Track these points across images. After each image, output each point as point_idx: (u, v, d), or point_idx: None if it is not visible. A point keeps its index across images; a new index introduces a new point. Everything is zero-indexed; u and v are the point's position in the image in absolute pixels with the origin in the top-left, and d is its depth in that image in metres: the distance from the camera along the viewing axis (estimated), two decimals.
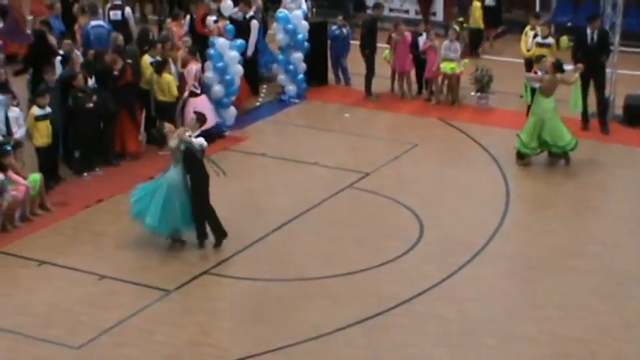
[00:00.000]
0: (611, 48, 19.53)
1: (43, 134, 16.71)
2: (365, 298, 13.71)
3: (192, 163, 14.72)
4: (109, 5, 21.83)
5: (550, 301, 13.58)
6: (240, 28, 20.50)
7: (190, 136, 14.65)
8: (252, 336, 12.84)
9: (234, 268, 14.54)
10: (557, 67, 17.52)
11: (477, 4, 23.36)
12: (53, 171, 17.13)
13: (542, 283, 14.11)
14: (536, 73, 18.00)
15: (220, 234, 14.98)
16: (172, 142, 14.77)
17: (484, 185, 17.36)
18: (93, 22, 20.44)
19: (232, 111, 19.60)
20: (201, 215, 14.88)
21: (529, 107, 18.26)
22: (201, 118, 15.26)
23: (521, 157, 17.77)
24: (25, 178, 15.98)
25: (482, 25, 23.60)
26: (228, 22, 20.23)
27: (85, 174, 17.59)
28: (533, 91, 17.99)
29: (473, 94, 20.78)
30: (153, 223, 14.79)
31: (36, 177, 16.16)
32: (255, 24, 21.25)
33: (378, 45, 21.43)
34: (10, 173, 15.64)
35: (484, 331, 12.93)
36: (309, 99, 21.40)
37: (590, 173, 17.90)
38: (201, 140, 14.71)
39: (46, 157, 16.94)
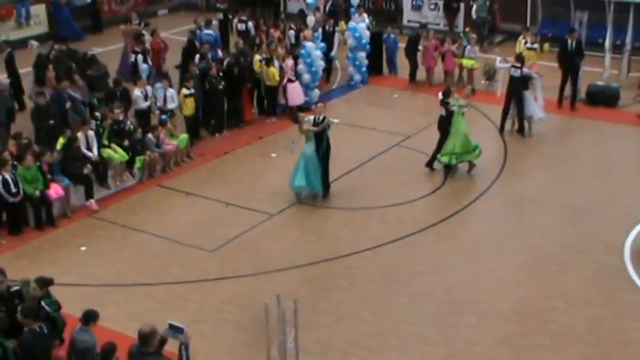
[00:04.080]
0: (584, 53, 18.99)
1: (190, 107, 16.82)
2: (407, 221, 13.69)
3: (325, 138, 14.19)
4: (236, 20, 21.93)
5: (531, 230, 13.46)
6: (324, 36, 20.54)
7: (325, 118, 14.11)
8: (330, 245, 12.93)
9: (318, 200, 14.55)
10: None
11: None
12: (196, 132, 17.24)
13: (529, 216, 13.95)
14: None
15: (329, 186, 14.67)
16: (306, 126, 13.99)
17: (490, 145, 16.96)
18: (205, 31, 20.55)
19: (316, 92, 19.52)
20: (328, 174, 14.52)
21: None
22: (322, 104, 14.62)
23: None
24: (177, 137, 16.18)
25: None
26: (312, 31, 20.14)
27: (217, 135, 17.67)
28: None
29: (483, 82, 20.45)
30: (300, 184, 14.19)
31: (184, 136, 16.36)
32: (336, 35, 21.28)
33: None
34: (163, 137, 15.71)
35: (483, 243, 12.83)
36: (370, 84, 21.17)
37: (562, 137, 17.58)
38: (337, 120, 14.34)
39: (191, 123, 17.03)
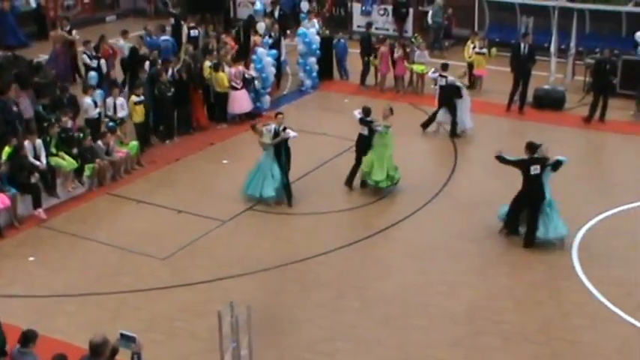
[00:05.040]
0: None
1: (139, 114, 16.70)
2: (358, 225, 13.77)
3: (286, 148, 14.37)
4: (186, 26, 21.79)
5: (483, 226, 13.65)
6: (273, 42, 20.56)
7: (285, 128, 14.24)
8: (283, 251, 12.95)
9: (270, 206, 14.51)
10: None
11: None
12: (146, 139, 17.12)
13: (479, 218, 14.10)
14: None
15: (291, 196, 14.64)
16: (266, 139, 14.21)
17: (440, 148, 17.30)
18: (162, 37, 20.48)
19: (267, 98, 19.53)
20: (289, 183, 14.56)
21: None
22: (281, 115, 14.59)
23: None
24: (127, 144, 16.03)
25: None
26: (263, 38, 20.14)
27: (167, 141, 17.58)
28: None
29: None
30: (253, 192, 14.39)
31: (134, 143, 16.24)
32: (283, 42, 21.36)
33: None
34: (112, 144, 15.61)
35: (435, 246, 12.96)
36: (320, 89, 21.26)
37: (511, 140, 17.63)
38: (295, 133, 14.38)
39: (141, 130, 16.91)
